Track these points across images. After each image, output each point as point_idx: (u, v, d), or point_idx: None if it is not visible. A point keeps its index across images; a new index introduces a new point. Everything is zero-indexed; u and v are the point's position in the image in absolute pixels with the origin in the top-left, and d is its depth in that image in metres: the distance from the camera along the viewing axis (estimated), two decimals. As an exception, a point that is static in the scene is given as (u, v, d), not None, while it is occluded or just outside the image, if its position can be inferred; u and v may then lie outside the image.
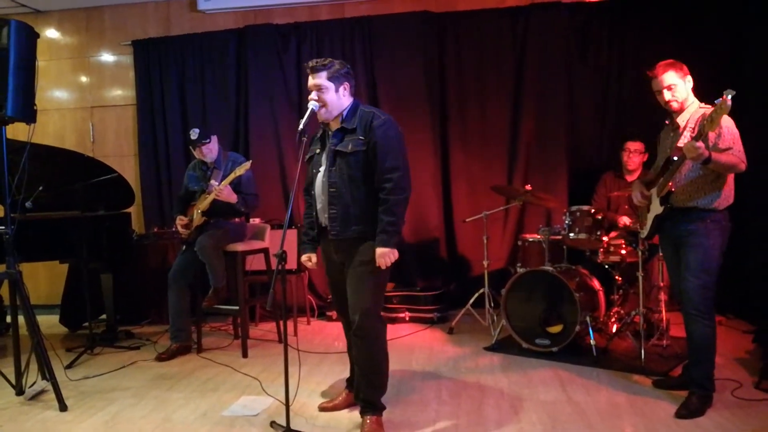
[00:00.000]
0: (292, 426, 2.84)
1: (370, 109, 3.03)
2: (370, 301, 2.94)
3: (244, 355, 4.38)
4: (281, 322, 4.73)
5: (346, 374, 3.41)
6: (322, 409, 3.29)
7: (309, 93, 2.99)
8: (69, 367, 4.20)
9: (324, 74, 2.94)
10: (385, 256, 2.87)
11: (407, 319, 5.26)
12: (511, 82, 5.58)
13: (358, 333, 2.94)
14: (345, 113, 2.99)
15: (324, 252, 3.16)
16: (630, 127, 5.14)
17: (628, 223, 4.45)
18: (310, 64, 2.97)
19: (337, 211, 2.95)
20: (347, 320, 3.10)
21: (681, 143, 3.07)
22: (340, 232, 2.96)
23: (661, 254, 3.92)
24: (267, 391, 3.58)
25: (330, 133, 3.03)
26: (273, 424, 3.05)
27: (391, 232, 2.87)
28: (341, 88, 2.97)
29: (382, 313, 3.06)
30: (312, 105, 2.94)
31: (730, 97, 2.67)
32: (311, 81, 2.96)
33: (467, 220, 5.10)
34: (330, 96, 2.95)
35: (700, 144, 2.82)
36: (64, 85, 6.43)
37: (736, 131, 3.00)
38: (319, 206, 3.04)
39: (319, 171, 3.03)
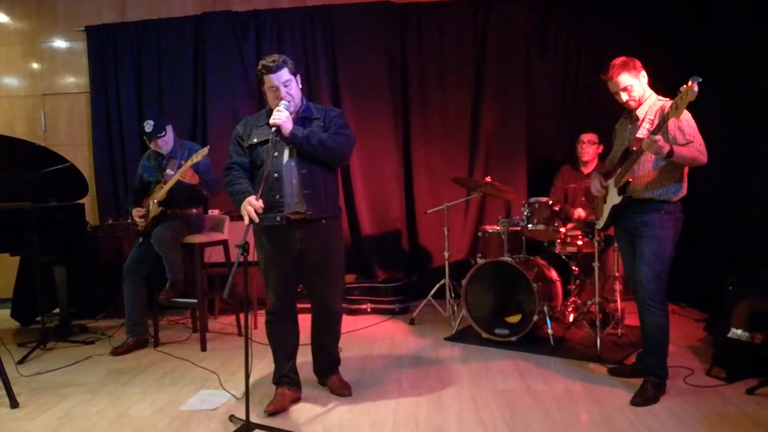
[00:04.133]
0: (252, 420, 2.81)
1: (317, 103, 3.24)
2: (341, 286, 3.30)
3: (203, 348, 4.31)
4: (241, 315, 4.70)
5: (306, 366, 3.40)
6: (269, 414, 3.06)
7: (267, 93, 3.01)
8: (21, 362, 4.09)
9: (286, 70, 2.98)
10: (282, 121, 2.87)
11: (369, 310, 5.27)
12: (472, 75, 5.61)
13: (331, 314, 3.24)
14: (304, 104, 3.10)
15: (276, 245, 3.05)
16: (587, 119, 5.24)
17: (582, 216, 4.52)
18: (267, 64, 2.93)
19: (311, 192, 2.98)
20: (281, 305, 3.15)
21: (640, 134, 3.12)
22: (315, 212, 2.99)
23: (616, 245, 4.00)
24: (226, 385, 3.53)
25: None
26: (232, 417, 3.01)
27: (311, 138, 2.94)
28: (298, 79, 3.06)
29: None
30: (284, 105, 2.92)
31: (696, 83, 2.65)
32: (274, 81, 2.95)
33: (429, 211, 5.14)
34: (295, 89, 3.02)
35: (658, 137, 2.87)
36: (14, 71, 6.22)
37: (694, 124, 3.04)
38: (286, 191, 2.97)
39: (283, 155, 2.98)
